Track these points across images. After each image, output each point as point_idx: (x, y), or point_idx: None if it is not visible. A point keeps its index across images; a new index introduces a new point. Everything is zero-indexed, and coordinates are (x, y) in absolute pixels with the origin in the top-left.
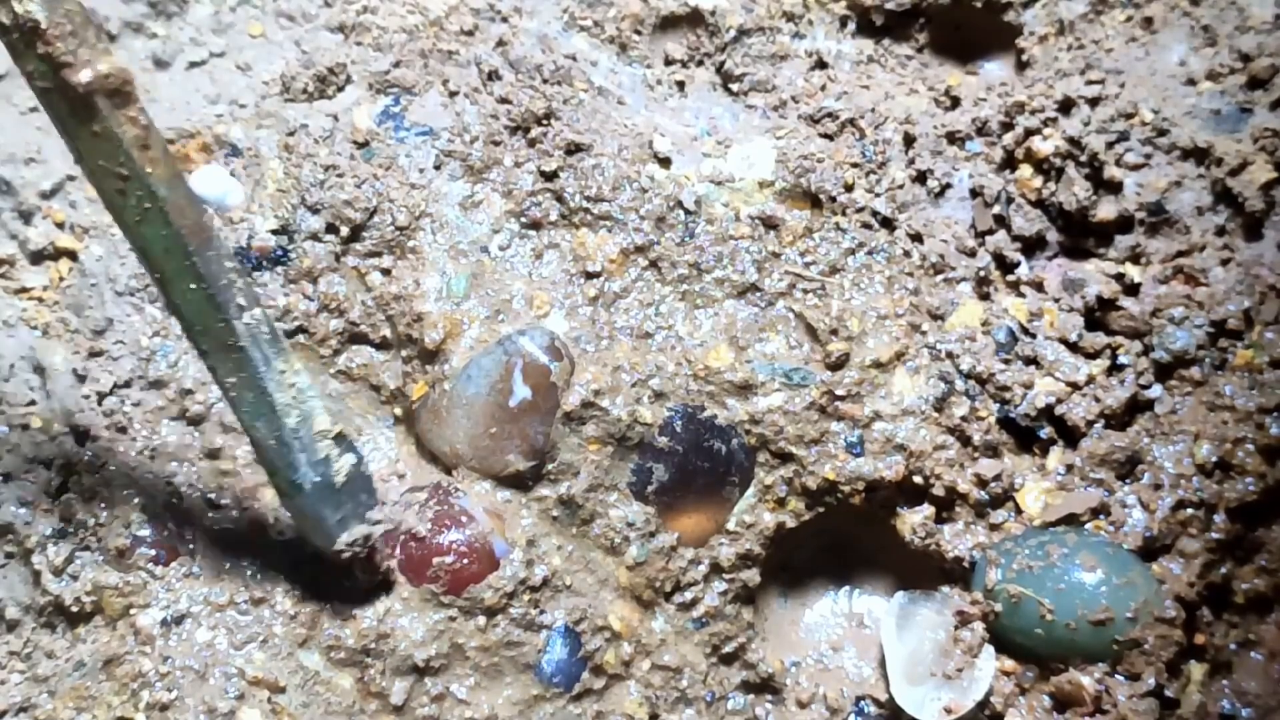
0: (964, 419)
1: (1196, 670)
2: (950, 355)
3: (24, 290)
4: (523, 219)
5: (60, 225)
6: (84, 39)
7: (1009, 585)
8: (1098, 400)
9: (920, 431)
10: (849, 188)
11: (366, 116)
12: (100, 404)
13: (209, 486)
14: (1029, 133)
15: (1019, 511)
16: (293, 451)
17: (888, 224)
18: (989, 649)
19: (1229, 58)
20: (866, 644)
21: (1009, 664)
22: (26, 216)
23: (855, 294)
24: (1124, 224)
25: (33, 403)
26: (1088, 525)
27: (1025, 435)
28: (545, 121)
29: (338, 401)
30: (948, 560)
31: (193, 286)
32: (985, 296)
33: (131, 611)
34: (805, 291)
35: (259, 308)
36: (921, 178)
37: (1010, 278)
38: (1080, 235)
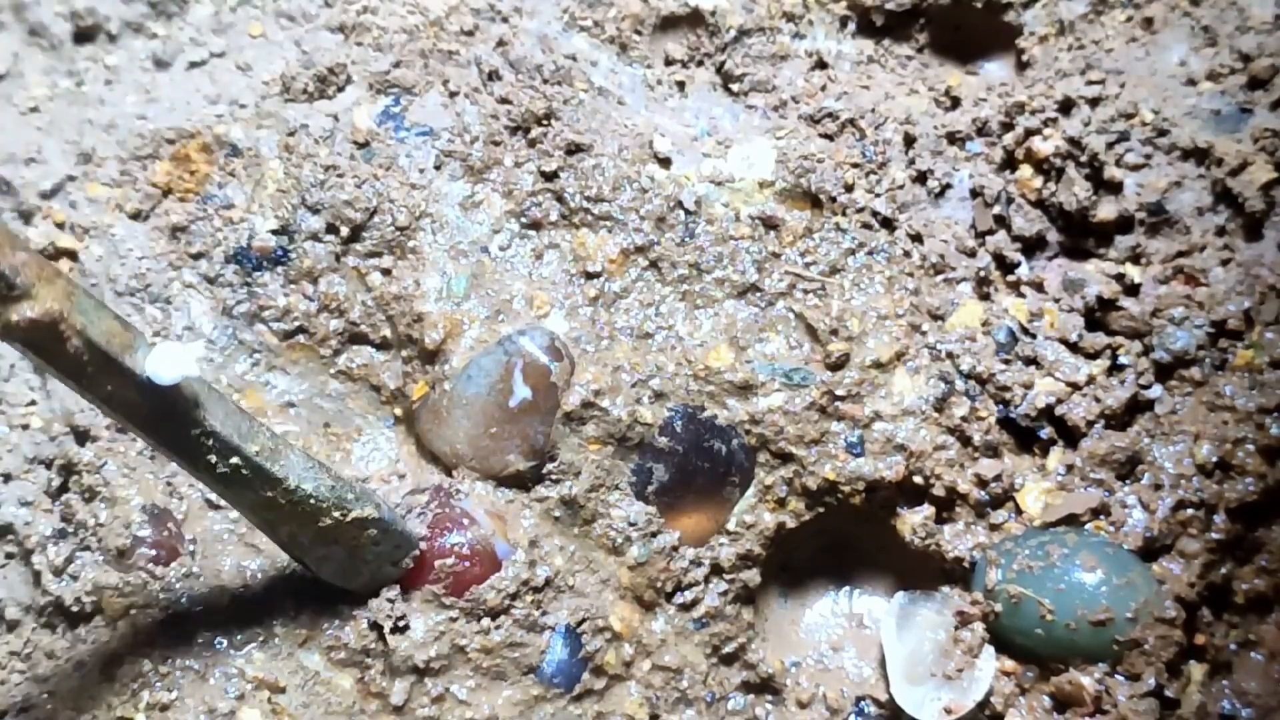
0: (964, 419)
1: (1196, 670)
2: (950, 355)
3: None
4: (523, 219)
5: (60, 225)
6: None
7: (1009, 585)
8: (1098, 400)
9: (920, 431)
10: (849, 188)
11: (367, 117)
12: None
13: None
14: (1029, 133)
15: (1019, 512)
16: (290, 551)
17: (888, 224)
18: (989, 649)
19: (1229, 58)
20: (866, 644)
21: (1009, 664)
22: (26, 216)
23: (855, 294)
24: (1124, 224)
25: (33, 403)
26: (1088, 525)
27: (1025, 435)
28: (545, 122)
29: (337, 401)
30: (948, 560)
31: (162, 450)
32: (985, 297)
33: (132, 611)
34: (805, 291)
35: (238, 455)
36: (922, 178)
37: (1010, 278)
38: (1080, 235)
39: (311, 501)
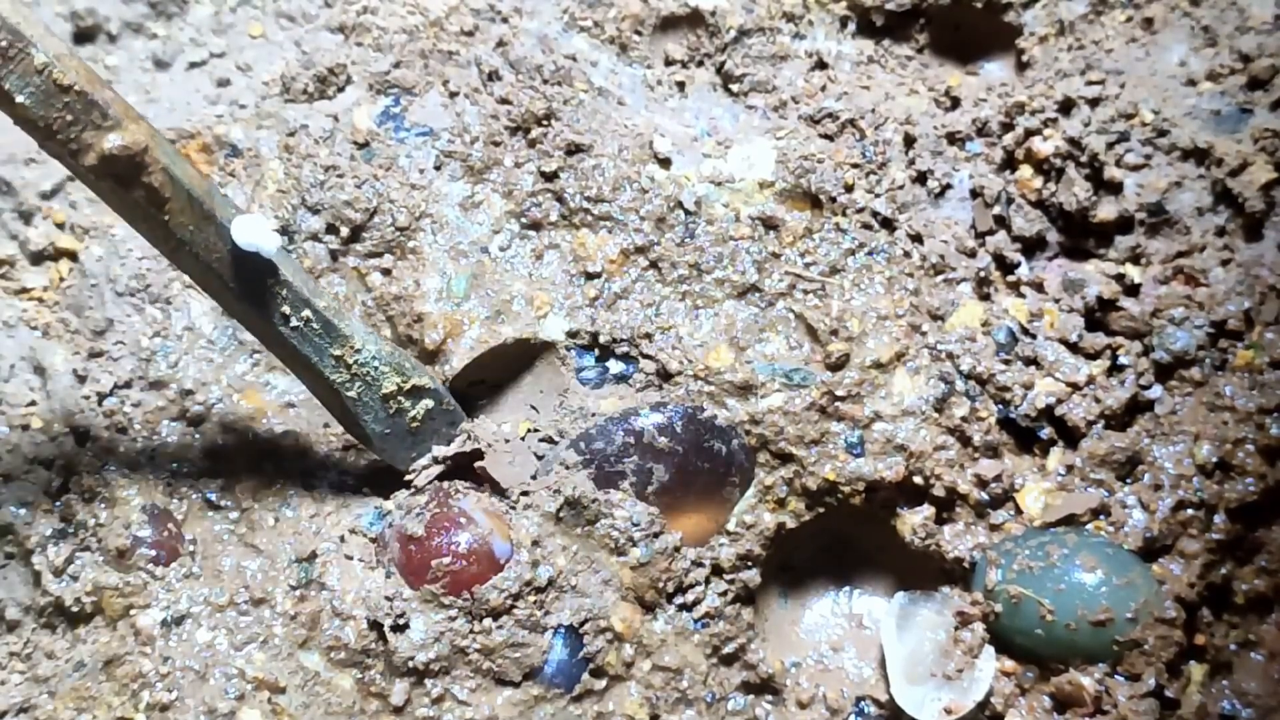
0: (964, 419)
1: (1197, 671)
2: (950, 356)
3: (24, 290)
4: (523, 219)
5: (60, 226)
6: (87, 123)
7: (1009, 586)
8: (1098, 401)
9: (920, 432)
10: (849, 188)
11: (367, 117)
12: (100, 404)
13: (209, 486)
14: (1029, 133)
15: (1019, 512)
16: (359, 415)
17: (888, 224)
18: (989, 649)
19: (1229, 58)
20: (866, 644)
21: (1009, 664)
22: (27, 217)
23: (855, 294)
24: (1124, 224)
25: (33, 403)
26: (1088, 526)
27: (1025, 435)
28: (545, 122)
29: None
30: (948, 560)
31: (236, 303)
32: (985, 297)
33: (132, 612)
34: (805, 292)
35: (309, 308)
36: (922, 178)
37: (1010, 278)
38: (1080, 236)
39: (375, 363)
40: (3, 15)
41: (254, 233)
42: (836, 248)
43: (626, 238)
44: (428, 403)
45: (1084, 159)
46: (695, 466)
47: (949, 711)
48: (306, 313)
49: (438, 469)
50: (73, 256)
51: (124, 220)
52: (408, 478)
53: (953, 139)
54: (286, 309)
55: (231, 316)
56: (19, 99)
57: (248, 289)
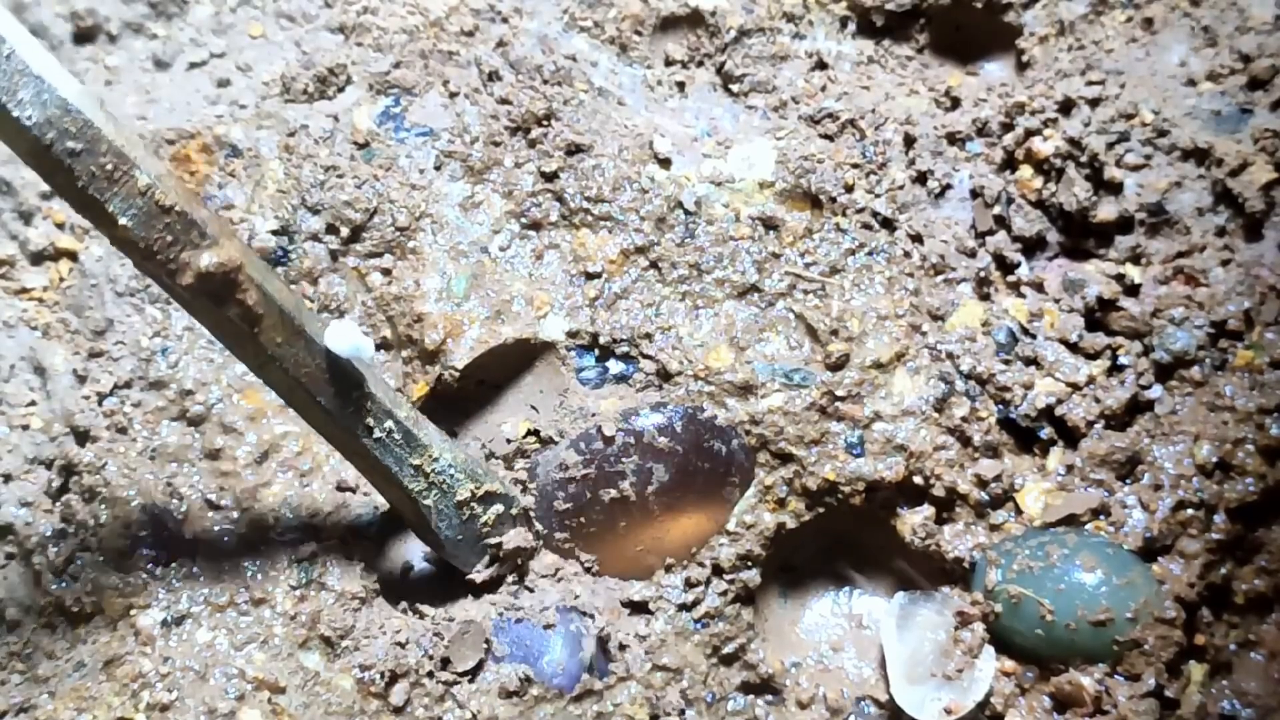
0: (964, 419)
1: (1197, 671)
2: (950, 356)
3: (24, 291)
4: (523, 219)
5: (60, 226)
6: (186, 242)
7: (1009, 586)
8: (1098, 401)
9: (920, 432)
10: (849, 188)
11: (367, 117)
12: (100, 404)
13: (209, 486)
14: (1029, 133)
15: (1019, 512)
16: (433, 521)
17: (888, 224)
18: (989, 649)
19: (1229, 58)
20: (866, 644)
21: (1009, 664)
22: (26, 217)
23: (855, 294)
24: (1124, 224)
25: (33, 403)
26: (1088, 526)
27: (1025, 436)
28: (545, 122)
29: None
30: (948, 560)
31: (320, 416)
32: (985, 297)
33: (132, 612)
34: (805, 292)
35: (391, 419)
36: (922, 178)
37: (1010, 278)
38: (1080, 236)
39: (450, 471)
40: (108, 138)
41: (348, 338)
42: (836, 248)
43: (626, 238)
44: (498, 508)
45: (1084, 159)
46: (695, 466)
47: (949, 711)
48: (389, 424)
49: (495, 569)
50: (73, 256)
51: (215, 338)
52: (470, 577)
53: (953, 139)
54: (370, 420)
55: (315, 429)
56: (122, 221)
57: (335, 403)
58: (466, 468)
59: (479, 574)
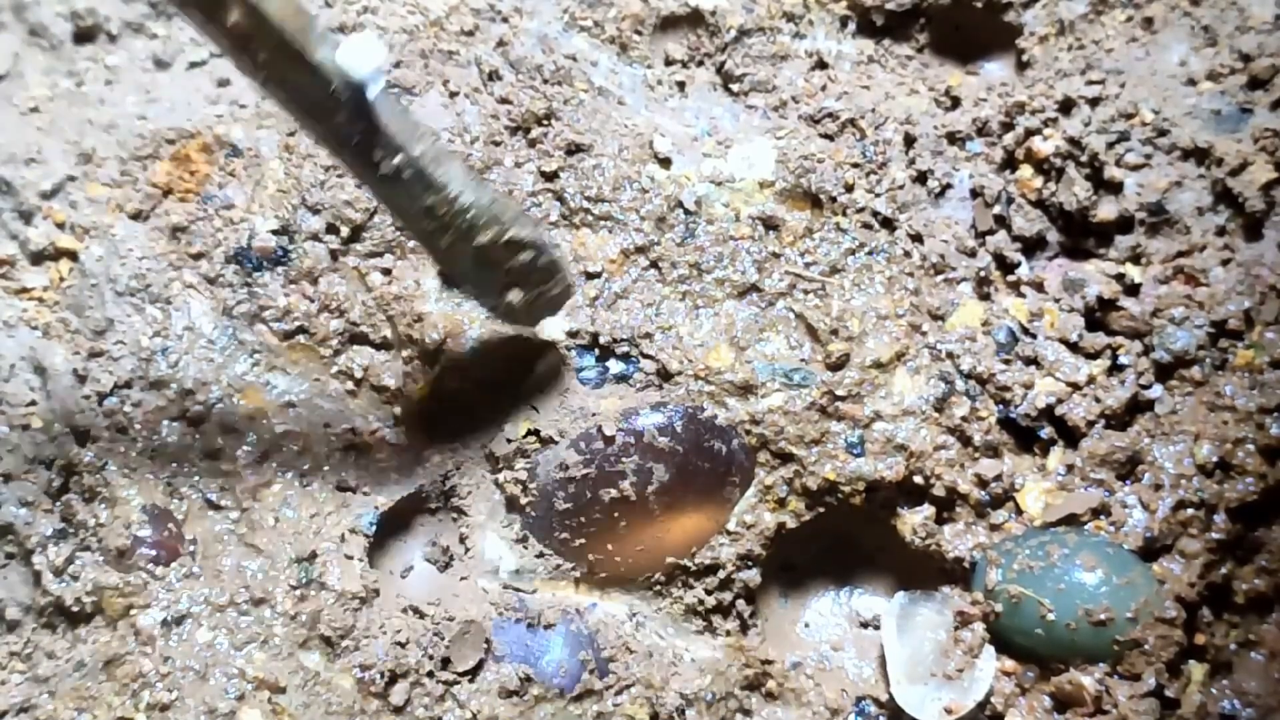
0: (964, 419)
1: (1197, 670)
2: (950, 355)
3: (24, 290)
4: None
5: (60, 225)
6: None
7: (1009, 585)
8: (1098, 400)
9: (920, 432)
10: (849, 188)
11: None
12: (100, 404)
13: (209, 486)
14: (1029, 133)
15: (1019, 512)
16: (448, 265)
17: (888, 224)
18: (989, 649)
19: (1229, 58)
20: (866, 644)
21: (1009, 664)
22: (27, 217)
23: (855, 294)
24: (1124, 224)
25: (33, 403)
26: (1088, 525)
27: (1025, 435)
28: (545, 122)
29: (338, 402)
30: (948, 560)
31: (334, 144)
32: (985, 297)
33: (132, 612)
34: (805, 292)
35: (402, 154)
36: (922, 178)
37: (1011, 278)
38: (1080, 235)
39: (470, 214)
40: None
41: (362, 55)
42: (836, 247)
43: (627, 237)
44: (526, 256)
45: (1084, 159)
46: (695, 466)
47: (949, 711)
48: (399, 159)
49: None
50: (73, 256)
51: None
52: (493, 306)
53: (953, 139)
54: (378, 153)
55: (336, 158)
56: None
57: (340, 132)
58: (491, 210)
59: (513, 296)
